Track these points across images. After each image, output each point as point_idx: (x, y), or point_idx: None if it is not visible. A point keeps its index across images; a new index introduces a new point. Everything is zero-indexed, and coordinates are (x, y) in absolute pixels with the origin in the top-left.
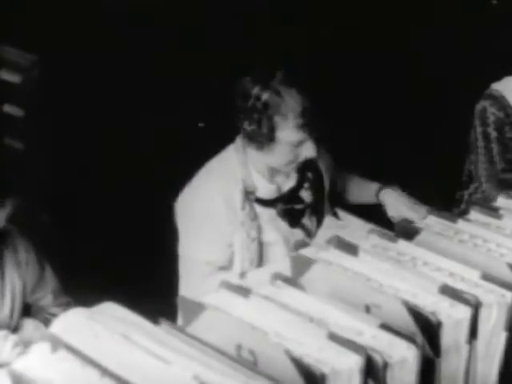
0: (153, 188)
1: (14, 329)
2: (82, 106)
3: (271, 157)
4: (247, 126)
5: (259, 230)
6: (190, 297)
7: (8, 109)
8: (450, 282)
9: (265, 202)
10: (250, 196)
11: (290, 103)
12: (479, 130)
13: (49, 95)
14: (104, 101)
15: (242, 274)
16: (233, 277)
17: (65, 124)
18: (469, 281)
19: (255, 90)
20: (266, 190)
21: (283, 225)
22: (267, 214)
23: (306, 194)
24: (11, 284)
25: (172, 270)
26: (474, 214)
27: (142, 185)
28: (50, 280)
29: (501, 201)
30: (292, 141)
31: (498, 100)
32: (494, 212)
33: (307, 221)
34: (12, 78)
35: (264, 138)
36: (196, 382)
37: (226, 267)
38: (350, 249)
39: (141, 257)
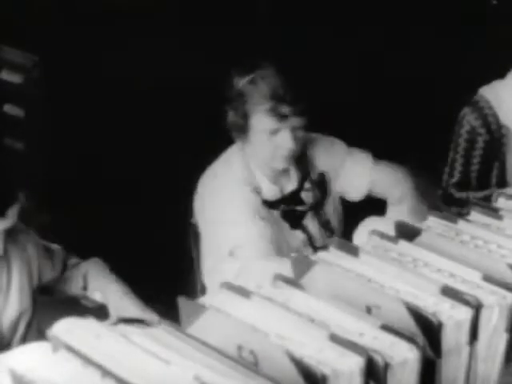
0: (153, 187)
1: (28, 325)
2: (82, 106)
3: (252, 149)
4: (230, 118)
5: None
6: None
7: (9, 109)
8: (451, 283)
9: (269, 204)
10: (257, 197)
11: (262, 88)
12: (455, 136)
13: (49, 95)
14: (105, 101)
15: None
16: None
17: (65, 124)
18: (470, 282)
19: (235, 80)
20: (269, 191)
21: (285, 226)
22: (271, 216)
23: (307, 196)
24: (20, 283)
25: (175, 270)
26: (475, 215)
27: (142, 184)
28: (59, 263)
29: (501, 201)
30: (265, 128)
31: (479, 108)
32: (494, 213)
33: (309, 223)
34: (13, 78)
35: (240, 128)
36: (197, 382)
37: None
38: (351, 250)
39: (142, 257)
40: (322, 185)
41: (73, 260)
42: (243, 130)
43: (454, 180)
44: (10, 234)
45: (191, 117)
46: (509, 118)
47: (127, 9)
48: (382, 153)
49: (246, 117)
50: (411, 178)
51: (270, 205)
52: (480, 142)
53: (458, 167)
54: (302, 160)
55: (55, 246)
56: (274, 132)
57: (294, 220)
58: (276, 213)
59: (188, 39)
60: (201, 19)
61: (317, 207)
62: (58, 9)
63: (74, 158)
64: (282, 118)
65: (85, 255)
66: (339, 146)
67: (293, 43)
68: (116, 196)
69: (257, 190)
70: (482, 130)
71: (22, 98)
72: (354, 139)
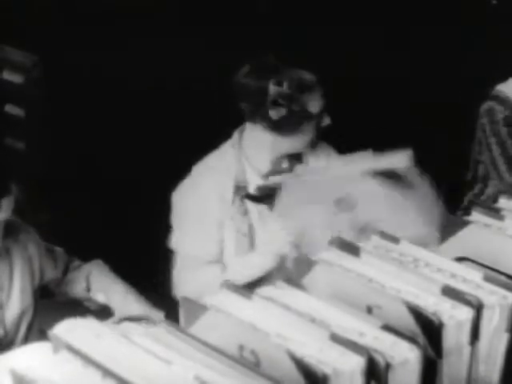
0: (153, 187)
1: (29, 325)
2: (83, 106)
3: (297, 139)
4: (274, 116)
5: (250, 226)
6: (184, 292)
7: (9, 109)
8: (452, 283)
9: (254, 198)
10: (240, 191)
11: (306, 76)
12: (488, 127)
13: (49, 95)
14: (105, 100)
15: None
16: (217, 270)
17: (65, 124)
18: (471, 282)
19: (270, 79)
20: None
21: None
22: (257, 211)
23: None
24: (21, 282)
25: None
26: (476, 215)
27: (142, 184)
28: (61, 264)
29: (503, 202)
30: (319, 111)
31: (504, 100)
32: (495, 213)
33: None
34: (13, 78)
35: (298, 119)
36: (197, 382)
37: (214, 262)
38: (352, 250)
39: (143, 256)
40: None
41: (75, 262)
42: (300, 119)
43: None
44: (11, 232)
45: (191, 117)
46: None
47: (127, 9)
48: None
49: (303, 106)
50: None
51: (254, 199)
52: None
53: (501, 165)
54: (295, 156)
55: (57, 248)
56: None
57: None
58: (263, 208)
59: (188, 39)
60: (201, 19)
61: None
62: (58, 9)
63: (73, 158)
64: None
65: (85, 255)
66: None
67: (292, 43)
68: (116, 196)
69: (242, 185)
70: (508, 112)
71: (22, 97)
72: (353, 139)
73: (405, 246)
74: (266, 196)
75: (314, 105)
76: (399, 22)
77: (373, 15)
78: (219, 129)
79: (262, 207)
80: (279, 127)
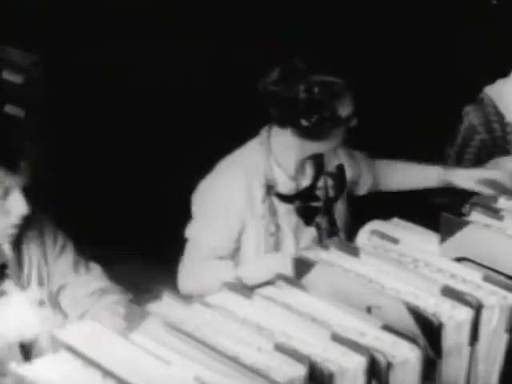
0: (155, 187)
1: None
2: (83, 107)
3: (326, 142)
4: (305, 123)
5: (277, 226)
6: (189, 282)
7: (9, 109)
8: (452, 284)
9: (284, 198)
10: (270, 190)
11: (335, 81)
12: (453, 134)
13: (50, 96)
14: (105, 100)
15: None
16: (229, 266)
17: (66, 124)
18: (470, 282)
19: (300, 86)
20: (285, 186)
21: (299, 222)
22: (283, 210)
23: (321, 193)
24: (37, 269)
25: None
26: (475, 215)
27: (143, 184)
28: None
29: (502, 202)
30: (349, 115)
31: (481, 105)
32: (495, 213)
33: (321, 220)
34: (14, 78)
35: (328, 125)
36: (197, 382)
37: (225, 258)
38: (352, 250)
39: (144, 256)
40: (340, 175)
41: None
42: (332, 125)
43: None
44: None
45: (191, 117)
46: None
47: (127, 9)
48: (382, 152)
49: (334, 112)
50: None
51: (284, 199)
52: (476, 141)
53: (450, 163)
54: (317, 156)
55: (93, 264)
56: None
57: (308, 216)
58: (290, 208)
59: (187, 39)
60: (200, 19)
61: (330, 204)
62: (58, 9)
63: (73, 158)
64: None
65: (84, 255)
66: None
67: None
68: (116, 196)
69: (271, 183)
70: (481, 129)
71: (22, 97)
72: (352, 138)
73: (404, 247)
74: (296, 196)
75: (344, 110)
76: (399, 22)
77: (373, 15)
78: (225, 129)
79: (289, 207)
80: (309, 133)
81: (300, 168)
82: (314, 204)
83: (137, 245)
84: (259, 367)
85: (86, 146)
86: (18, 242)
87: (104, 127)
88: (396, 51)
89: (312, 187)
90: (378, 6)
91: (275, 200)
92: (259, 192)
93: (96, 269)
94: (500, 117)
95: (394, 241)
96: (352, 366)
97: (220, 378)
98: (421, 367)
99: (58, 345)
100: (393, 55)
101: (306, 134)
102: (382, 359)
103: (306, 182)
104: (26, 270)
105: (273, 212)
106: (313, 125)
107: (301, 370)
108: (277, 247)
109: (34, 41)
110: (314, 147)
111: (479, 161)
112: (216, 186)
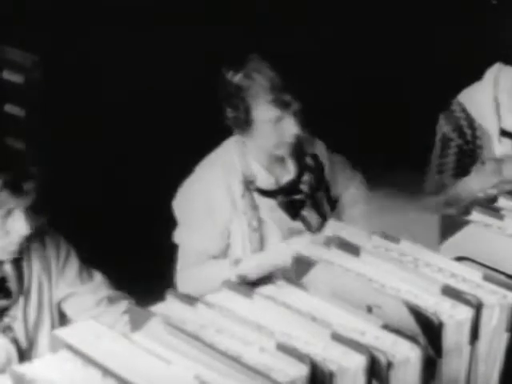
0: (154, 185)
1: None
2: (83, 107)
3: (257, 140)
4: (229, 114)
5: (260, 221)
6: (189, 287)
7: (9, 109)
8: (452, 283)
9: (265, 193)
10: (250, 185)
11: (259, 81)
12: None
13: (51, 95)
14: (105, 100)
15: (236, 261)
16: (225, 264)
17: (66, 124)
18: (471, 281)
19: (229, 76)
20: (265, 181)
21: (283, 217)
22: (267, 206)
23: (304, 187)
24: (38, 280)
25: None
26: (476, 215)
27: (143, 183)
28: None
29: (502, 201)
30: (269, 118)
31: (450, 111)
32: (495, 212)
33: (308, 213)
34: (14, 78)
35: (243, 122)
36: (197, 382)
37: (218, 257)
38: (352, 249)
39: (144, 256)
40: (317, 167)
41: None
42: (246, 123)
43: (427, 190)
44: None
45: (194, 118)
46: (484, 119)
47: (127, 9)
48: (383, 152)
49: (247, 110)
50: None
51: (265, 194)
52: (452, 148)
53: (433, 177)
54: (297, 150)
55: (97, 273)
56: (279, 120)
57: (293, 210)
58: (272, 203)
59: (187, 39)
60: (199, 19)
61: (314, 195)
62: (58, 9)
63: (73, 158)
64: (286, 105)
65: (84, 255)
66: (321, 143)
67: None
68: (116, 196)
69: (250, 179)
70: (453, 135)
71: (22, 97)
72: (350, 138)
73: (405, 246)
74: (277, 191)
75: (263, 113)
76: (399, 22)
77: (372, 15)
78: (217, 129)
79: (271, 202)
80: (238, 128)
81: (278, 163)
82: (297, 197)
83: (136, 245)
84: (260, 367)
85: (87, 145)
86: (19, 256)
87: (104, 127)
88: (396, 51)
89: (295, 182)
90: (378, 5)
91: (256, 195)
92: (238, 188)
93: (98, 276)
94: (470, 121)
95: (395, 240)
96: (352, 365)
97: (220, 378)
98: (421, 366)
99: (58, 344)
100: (393, 55)
101: (239, 130)
102: (382, 358)
103: (287, 176)
104: (26, 283)
105: (254, 207)
106: (230, 119)
107: (303, 370)
108: (262, 242)
109: (34, 41)
110: (257, 144)
111: (461, 167)
112: (196, 189)
